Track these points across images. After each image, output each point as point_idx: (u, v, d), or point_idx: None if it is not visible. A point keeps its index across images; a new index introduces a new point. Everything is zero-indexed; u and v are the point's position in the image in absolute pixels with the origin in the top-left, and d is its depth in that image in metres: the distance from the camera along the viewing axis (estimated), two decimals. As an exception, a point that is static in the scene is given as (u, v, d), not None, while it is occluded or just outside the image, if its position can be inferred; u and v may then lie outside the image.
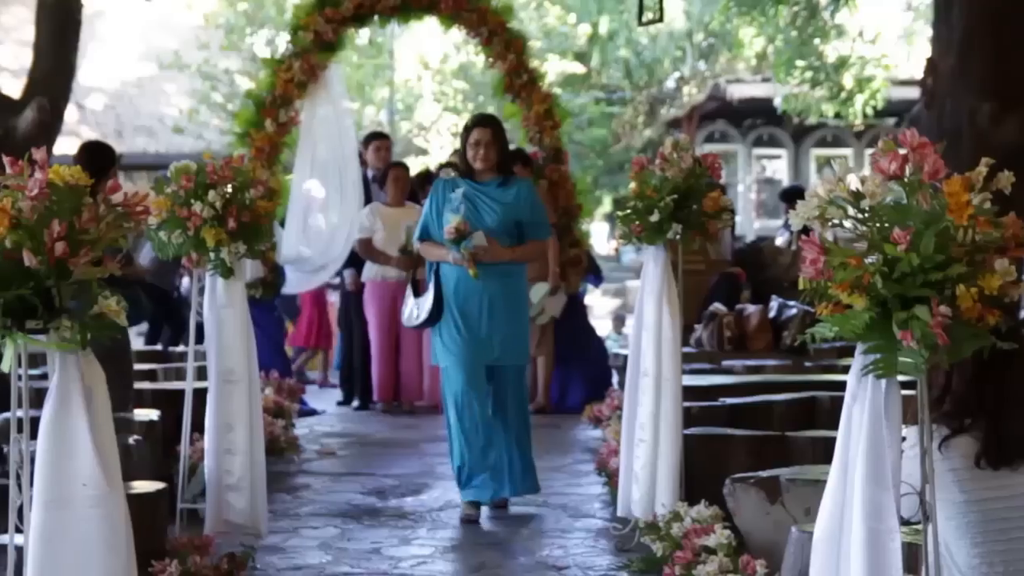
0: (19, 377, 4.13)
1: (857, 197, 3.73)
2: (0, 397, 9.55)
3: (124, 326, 4.18)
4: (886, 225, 3.69)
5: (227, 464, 7.04)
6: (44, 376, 7.75)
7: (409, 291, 8.67)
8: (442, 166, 13.06)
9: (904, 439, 3.90)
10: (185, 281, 15.20)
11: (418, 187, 12.77)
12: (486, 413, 8.19)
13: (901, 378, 3.78)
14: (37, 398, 4.26)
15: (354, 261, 12.46)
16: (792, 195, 15.33)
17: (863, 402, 3.79)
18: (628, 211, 7.21)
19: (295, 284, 13.73)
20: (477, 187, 8.18)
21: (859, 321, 3.70)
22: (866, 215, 3.74)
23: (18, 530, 4.24)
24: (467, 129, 8.27)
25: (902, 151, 3.74)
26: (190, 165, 6.93)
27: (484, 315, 8.13)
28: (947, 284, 3.63)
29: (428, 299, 8.21)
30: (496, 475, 8.23)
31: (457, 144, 10.25)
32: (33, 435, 4.17)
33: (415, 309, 8.42)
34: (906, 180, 3.71)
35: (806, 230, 3.85)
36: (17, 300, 3.93)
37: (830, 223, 3.80)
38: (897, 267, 3.65)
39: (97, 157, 8.19)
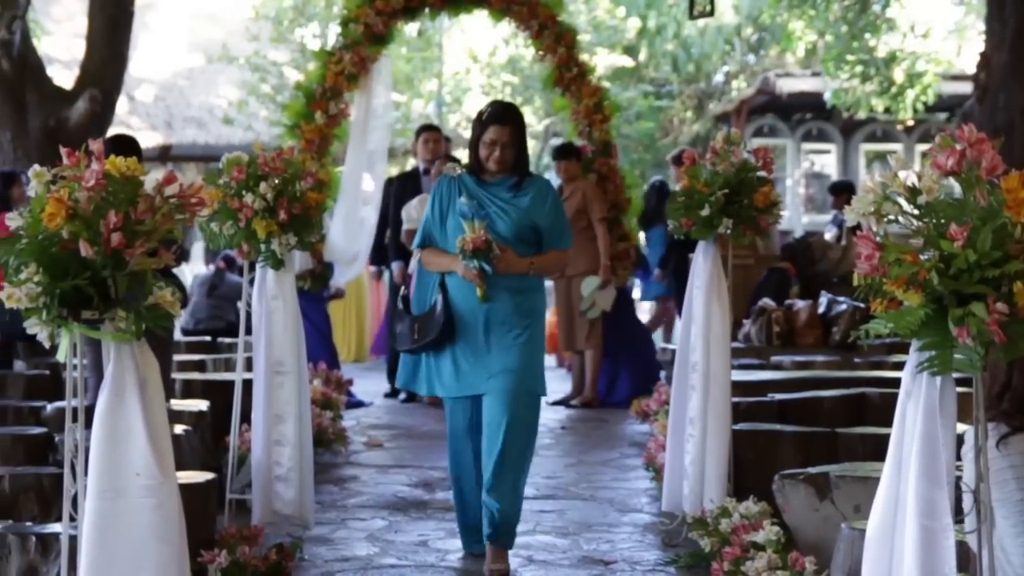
0: (74, 367, 4.15)
1: (913, 193, 3.71)
2: (51, 387, 9.66)
3: (174, 316, 4.20)
4: (942, 221, 3.67)
5: (276, 455, 7.07)
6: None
7: (399, 310, 7.06)
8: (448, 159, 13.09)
9: (963, 441, 3.88)
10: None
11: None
12: (475, 457, 6.91)
13: (956, 375, 3.76)
14: (87, 387, 4.29)
15: (402, 253, 12.47)
16: (841, 190, 15.29)
17: (917, 399, 3.77)
18: (678, 205, 7.20)
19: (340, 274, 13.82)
20: (486, 187, 6.83)
21: (914, 318, 3.69)
22: (922, 211, 3.72)
23: (72, 519, 4.27)
24: (481, 122, 6.80)
25: (959, 147, 3.72)
26: (242, 156, 6.95)
27: (491, 338, 6.72)
28: (1004, 281, 3.61)
29: (435, 318, 6.76)
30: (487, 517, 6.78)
31: None
32: (87, 424, 4.19)
33: (409, 329, 6.88)
34: (963, 176, 3.69)
35: (857, 226, 3.83)
36: (73, 290, 3.96)
37: (886, 219, 3.78)
38: (953, 263, 3.63)
39: (123, 150, 8.22)
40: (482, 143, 6.77)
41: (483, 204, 6.73)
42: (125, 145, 7.81)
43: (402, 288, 7.19)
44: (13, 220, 4.08)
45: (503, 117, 6.78)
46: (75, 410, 4.20)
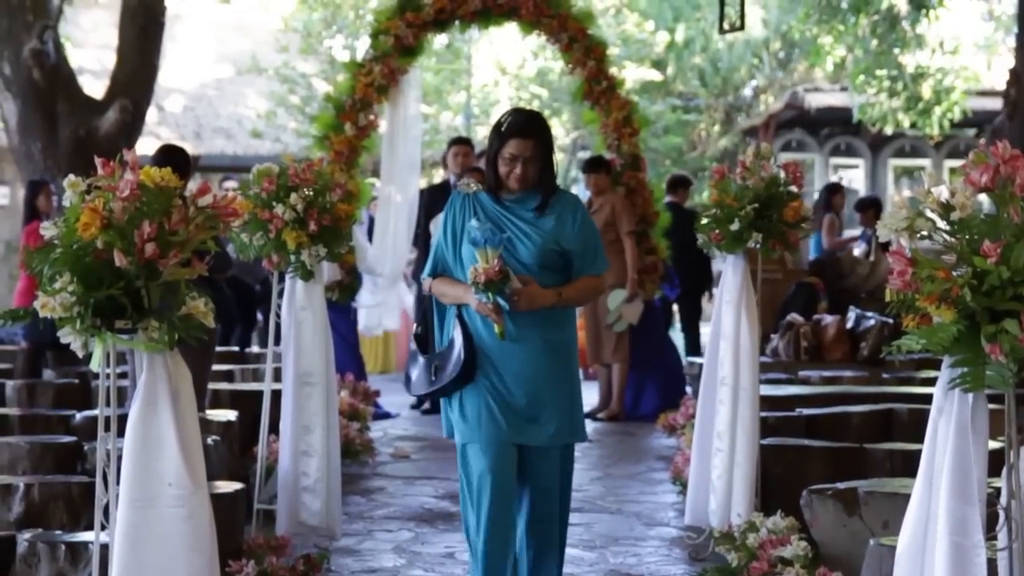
0: (107, 376, 4.17)
1: (946, 209, 3.71)
2: (80, 396, 9.70)
3: (212, 327, 4.22)
4: (976, 237, 3.67)
5: (304, 466, 7.09)
6: (124, 375, 7.89)
7: (412, 350, 6.11)
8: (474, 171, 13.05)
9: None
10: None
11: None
12: (511, 515, 5.79)
13: (988, 392, 3.75)
14: (119, 397, 4.31)
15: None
16: (867, 206, 15.27)
17: (949, 416, 3.76)
18: (708, 219, 7.20)
19: (370, 299, 13.92)
20: (506, 207, 5.80)
21: (947, 334, 3.68)
22: (955, 227, 3.72)
23: (103, 528, 4.29)
24: (500, 135, 5.77)
25: (993, 163, 3.72)
26: (272, 168, 6.98)
27: (520, 381, 5.71)
28: (1037, 298, 3.60)
29: (454, 354, 5.76)
30: None
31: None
32: (119, 434, 4.21)
33: (427, 371, 5.88)
34: (996, 192, 3.68)
35: (887, 242, 3.84)
36: (107, 300, 3.98)
37: (918, 235, 3.78)
38: (986, 280, 3.62)
39: (175, 160, 8.26)
40: (501, 158, 5.75)
41: (501, 227, 5.71)
42: (175, 156, 7.85)
43: (415, 326, 6.15)
44: (48, 230, 4.10)
45: (525, 129, 5.74)
46: (107, 419, 4.22)
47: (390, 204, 13.33)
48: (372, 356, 16.88)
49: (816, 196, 28.26)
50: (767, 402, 8.14)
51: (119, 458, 4.15)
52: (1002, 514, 3.86)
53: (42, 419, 8.53)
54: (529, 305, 5.63)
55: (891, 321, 11.32)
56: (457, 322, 5.80)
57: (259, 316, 14.99)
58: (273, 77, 26.74)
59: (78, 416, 8.42)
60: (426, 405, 13.04)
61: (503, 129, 5.76)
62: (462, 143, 13.33)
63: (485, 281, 5.53)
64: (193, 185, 4.21)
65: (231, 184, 17.43)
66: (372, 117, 12.90)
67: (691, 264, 14.43)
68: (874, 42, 21.60)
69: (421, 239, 12.75)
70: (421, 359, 5.94)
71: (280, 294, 7.25)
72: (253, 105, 26.96)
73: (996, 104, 18.85)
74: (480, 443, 5.70)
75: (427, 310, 6.03)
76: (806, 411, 8.73)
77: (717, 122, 31.51)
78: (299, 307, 7.16)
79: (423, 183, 16.03)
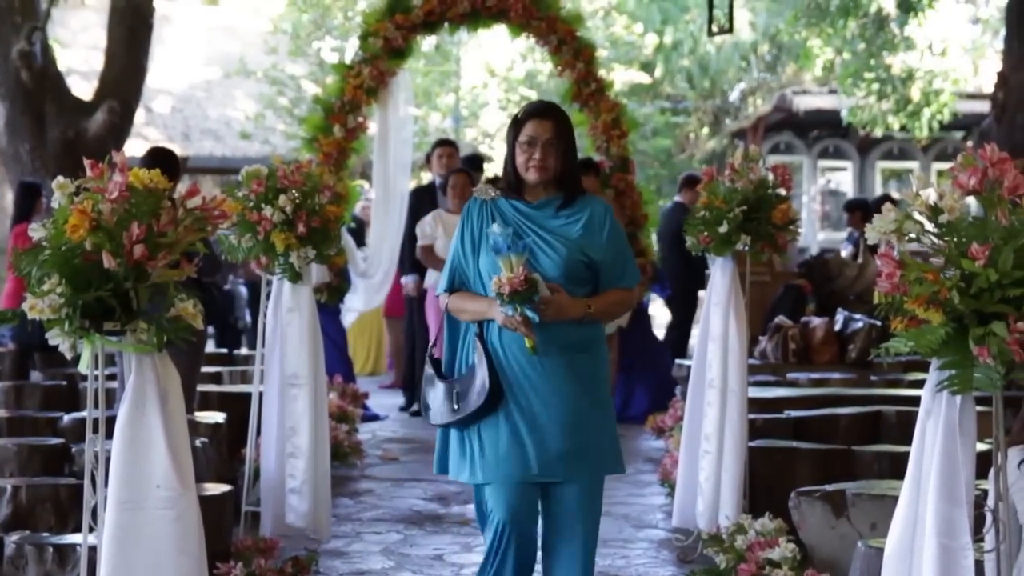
0: (95, 378, 4.17)
1: (935, 212, 3.72)
2: (68, 398, 9.68)
3: (200, 329, 4.21)
4: (964, 240, 3.68)
5: (290, 468, 7.09)
6: (112, 377, 7.89)
7: (428, 374, 5.38)
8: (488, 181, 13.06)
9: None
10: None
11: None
12: (533, 555, 5.31)
13: (976, 394, 3.76)
14: (107, 399, 4.30)
15: (417, 267, 12.48)
16: (855, 207, 15.28)
17: (937, 418, 3.77)
18: (697, 222, 7.20)
19: (359, 302, 13.89)
20: (526, 212, 5.28)
21: (935, 336, 3.69)
22: (943, 230, 3.73)
23: (91, 530, 4.28)
24: (517, 122, 5.27)
25: (981, 166, 3.73)
26: (261, 169, 6.98)
27: (546, 407, 5.13)
28: (1025, 300, 3.61)
29: (477, 380, 5.15)
30: None
31: None
32: (106, 435, 4.21)
33: (447, 399, 5.24)
34: (985, 195, 3.69)
35: (876, 244, 3.84)
36: (95, 301, 3.98)
37: (906, 237, 3.79)
38: (975, 282, 3.64)
39: (164, 162, 8.25)
40: (519, 146, 5.22)
41: (521, 233, 5.19)
42: (164, 158, 7.84)
43: (430, 347, 5.52)
44: (36, 231, 4.10)
45: (542, 110, 5.28)
46: (96, 421, 4.21)
47: (383, 207, 13.33)
48: (361, 358, 16.86)
49: (804, 198, 28.41)
50: (755, 404, 8.15)
51: (107, 460, 4.15)
52: (989, 516, 3.87)
53: (30, 421, 8.52)
54: (558, 315, 5.09)
55: (879, 323, 11.34)
56: (477, 342, 5.21)
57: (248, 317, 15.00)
58: (262, 79, 26.72)
59: (66, 418, 8.41)
60: (415, 407, 13.02)
61: (520, 116, 5.28)
62: (446, 145, 13.32)
63: (510, 292, 5.00)
64: (182, 187, 4.21)
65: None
66: (361, 119, 12.89)
67: (691, 265, 14.39)
68: (862, 44, 21.63)
69: (407, 242, 12.73)
70: (441, 385, 5.29)
71: (268, 296, 7.25)
72: (241, 107, 26.94)
73: (983, 107, 18.90)
74: (501, 483, 5.13)
75: (441, 329, 5.41)
76: (794, 413, 8.74)
77: (705, 124, 31.53)
78: (285, 309, 7.15)
79: (413, 185, 16.03)
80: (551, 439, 5.10)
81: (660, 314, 17.89)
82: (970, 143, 21.30)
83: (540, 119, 5.20)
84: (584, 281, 5.22)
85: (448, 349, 5.37)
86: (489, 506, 5.20)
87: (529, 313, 5.01)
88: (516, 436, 5.10)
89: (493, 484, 5.15)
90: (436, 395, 5.29)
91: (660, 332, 15.48)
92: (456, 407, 5.18)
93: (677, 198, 14.49)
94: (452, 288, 5.31)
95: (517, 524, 5.17)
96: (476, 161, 13.76)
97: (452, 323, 5.35)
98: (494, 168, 23.03)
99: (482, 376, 5.13)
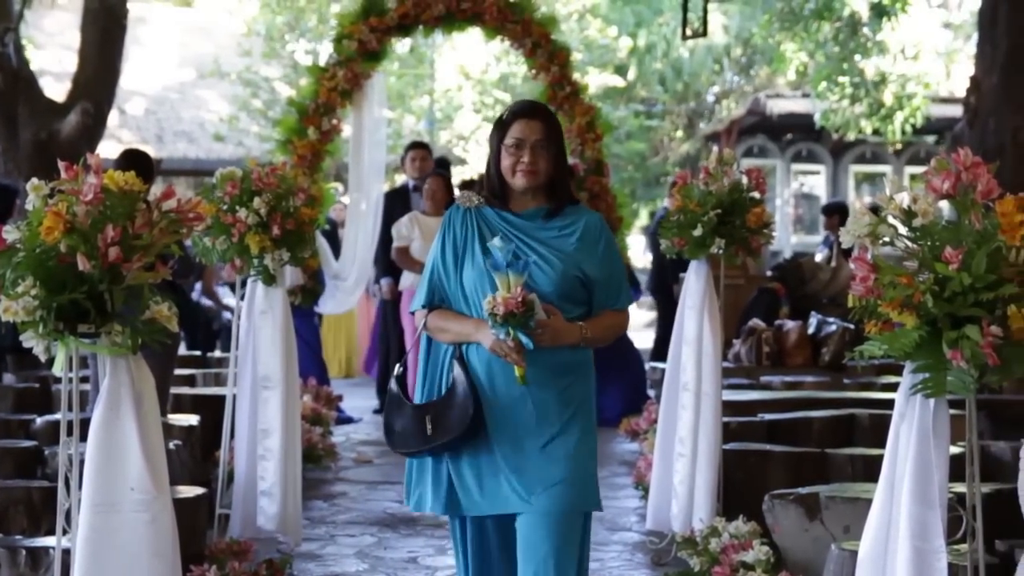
0: (69, 380, 4.16)
1: (909, 215, 3.74)
2: (40, 400, 9.64)
3: (175, 331, 4.20)
4: (937, 244, 3.69)
5: (261, 470, 7.07)
6: (85, 379, 7.86)
7: (394, 395, 4.80)
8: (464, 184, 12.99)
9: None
10: (198, 285, 15.32)
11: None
12: None
13: (949, 397, 3.78)
14: (80, 401, 4.29)
15: (391, 270, 12.47)
16: (833, 211, 15.32)
17: (911, 421, 3.79)
18: (671, 225, 7.22)
19: (332, 305, 13.85)
20: (514, 223, 4.75)
21: (909, 340, 3.71)
22: (917, 234, 3.75)
23: (65, 533, 4.27)
24: (502, 124, 4.76)
25: (954, 170, 3.75)
26: (235, 172, 6.97)
27: (531, 436, 4.63)
28: (998, 304, 3.64)
29: (457, 404, 4.62)
30: None
31: None
32: (81, 438, 4.20)
33: (416, 423, 4.68)
34: (958, 199, 3.71)
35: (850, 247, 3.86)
36: (70, 304, 3.97)
37: (880, 241, 3.81)
38: (948, 286, 3.65)
39: (139, 164, 8.22)
40: (504, 149, 4.71)
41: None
42: (139, 160, 7.81)
43: (396, 366, 4.88)
44: (10, 233, 4.08)
45: (530, 110, 4.77)
46: (70, 423, 4.20)
47: (357, 210, 13.32)
48: (335, 361, 16.85)
49: (778, 202, 28.47)
50: (729, 407, 8.16)
51: (81, 462, 4.14)
52: (965, 518, 3.89)
53: (2, 423, 8.48)
54: (553, 341, 4.56)
55: (852, 327, 11.38)
56: (457, 365, 4.67)
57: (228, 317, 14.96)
58: (236, 81, 26.69)
59: (38, 420, 8.38)
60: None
61: (505, 116, 4.77)
62: (419, 147, 13.31)
63: (505, 313, 4.44)
64: (156, 189, 4.20)
65: None
66: (335, 122, 12.89)
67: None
68: (835, 48, 21.70)
69: (380, 246, 12.71)
70: (409, 408, 4.72)
71: (243, 298, 7.24)
72: (215, 109, 26.90)
73: (955, 111, 18.95)
74: (482, 516, 4.71)
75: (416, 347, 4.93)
76: (768, 416, 8.76)
77: (679, 128, 31.61)
78: (258, 311, 7.14)
79: (387, 187, 16.02)
80: (535, 470, 4.60)
81: (633, 317, 17.88)
82: (943, 147, 21.39)
83: (528, 119, 4.70)
84: (578, 301, 4.71)
85: (421, 370, 4.83)
86: (467, 545, 4.81)
87: (523, 338, 4.48)
88: (496, 467, 4.63)
89: (470, 519, 4.75)
90: (402, 420, 4.73)
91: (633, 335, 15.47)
92: (431, 433, 4.64)
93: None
94: (431, 304, 4.76)
95: (493, 559, 4.80)
96: (443, 164, 13.77)
97: (429, 343, 4.81)
98: (466, 172, 23.05)
99: (464, 402, 4.61)
